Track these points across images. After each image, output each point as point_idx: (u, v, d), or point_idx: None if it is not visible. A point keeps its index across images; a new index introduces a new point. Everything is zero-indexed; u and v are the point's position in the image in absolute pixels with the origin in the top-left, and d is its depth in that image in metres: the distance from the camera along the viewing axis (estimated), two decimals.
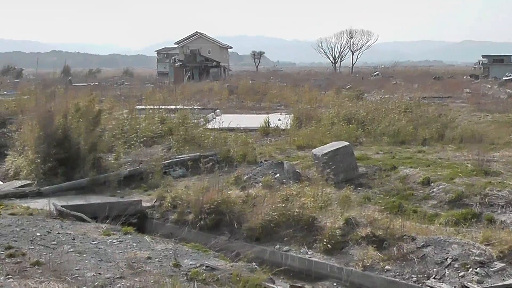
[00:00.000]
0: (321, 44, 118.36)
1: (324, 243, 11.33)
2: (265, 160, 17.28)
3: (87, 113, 16.81)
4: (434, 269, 9.94)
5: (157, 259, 9.69)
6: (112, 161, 17.12)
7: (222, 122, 22.39)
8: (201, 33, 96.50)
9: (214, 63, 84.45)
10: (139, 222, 13.43)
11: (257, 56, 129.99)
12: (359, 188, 14.91)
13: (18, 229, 11.13)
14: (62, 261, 9.15)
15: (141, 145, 19.46)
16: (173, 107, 27.09)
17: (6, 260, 9.10)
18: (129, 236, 11.31)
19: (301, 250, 11.57)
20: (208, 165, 15.32)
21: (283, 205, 12.48)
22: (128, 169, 16.79)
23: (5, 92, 47.41)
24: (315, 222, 12.02)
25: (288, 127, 24.21)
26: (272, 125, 24.83)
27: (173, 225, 13.32)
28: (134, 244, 10.65)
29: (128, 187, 15.91)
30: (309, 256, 11.36)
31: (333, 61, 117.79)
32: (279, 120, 26.20)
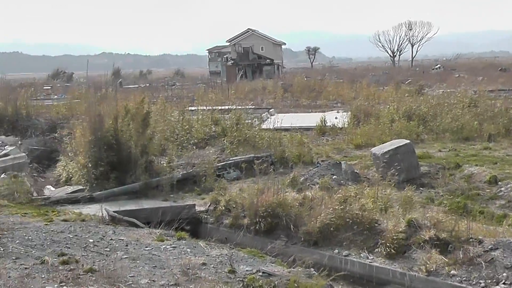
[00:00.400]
0: (378, 37, 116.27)
1: (386, 247, 10.89)
2: (322, 161, 16.89)
3: (137, 115, 16.65)
4: (504, 274, 9.42)
5: (212, 265, 9.41)
6: (165, 165, 16.93)
7: (277, 121, 22.03)
8: (253, 30, 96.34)
9: (268, 60, 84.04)
10: (193, 227, 13.24)
11: (312, 52, 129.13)
12: (421, 188, 14.37)
13: (71, 236, 11.01)
14: (115, 268, 8.96)
15: (194, 147, 19.27)
16: (226, 107, 26.90)
17: (60, 267, 8.96)
18: (183, 241, 11.08)
19: (361, 255, 11.16)
20: (263, 166, 15.00)
21: (342, 207, 12.05)
22: (181, 173, 16.57)
23: (56, 96, 48.13)
24: (375, 225, 11.58)
25: (346, 126, 23.70)
26: (328, 124, 24.36)
27: (228, 230, 13.03)
28: (188, 250, 10.41)
29: (181, 190, 15.71)
30: (369, 260, 10.95)
31: (392, 55, 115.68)
32: (336, 118, 25.72)
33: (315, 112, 32.25)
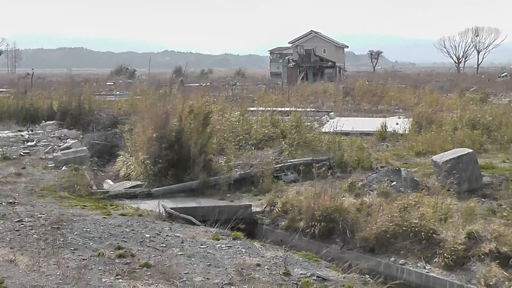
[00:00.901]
0: (444, 42, 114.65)
1: (444, 258, 10.62)
2: (381, 167, 16.62)
3: (198, 114, 16.75)
4: None
5: (266, 267, 9.37)
6: (223, 164, 16.96)
7: (337, 125, 21.83)
8: (316, 32, 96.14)
9: (329, 63, 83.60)
10: (249, 227, 13.21)
11: (375, 56, 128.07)
12: (482, 199, 13.94)
13: (128, 230, 11.16)
14: (171, 264, 9.05)
15: (252, 148, 19.26)
16: (286, 109, 26.83)
17: (116, 261, 9.11)
18: (238, 241, 11.08)
19: (418, 264, 10.92)
20: (321, 170, 14.85)
21: (400, 215, 11.82)
22: (239, 172, 16.56)
23: (118, 92, 48.94)
24: (434, 235, 11.29)
25: (407, 132, 23.28)
26: (389, 129, 23.99)
27: (283, 232, 12.94)
28: (243, 250, 10.40)
29: (238, 190, 15.70)
30: (427, 271, 10.70)
31: (457, 61, 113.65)
32: (397, 124, 25.29)
33: (376, 117, 31.86)
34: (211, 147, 17.09)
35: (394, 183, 14.64)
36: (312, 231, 12.30)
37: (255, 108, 27.85)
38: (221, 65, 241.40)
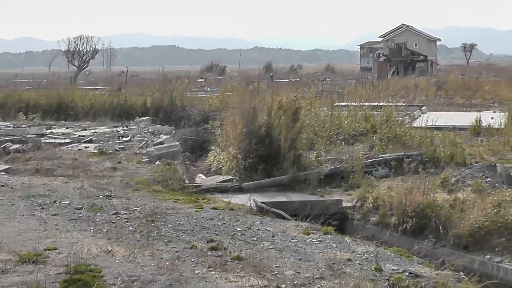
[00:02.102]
0: None
1: None
2: (475, 162, 16.17)
3: (288, 110, 16.79)
4: None
5: (357, 262, 9.29)
6: (313, 159, 16.94)
7: (429, 120, 21.37)
8: (407, 26, 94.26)
9: (421, 57, 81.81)
10: (339, 222, 13.14)
11: (468, 48, 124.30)
12: None
13: (219, 223, 11.32)
14: (262, 257, 9.10)
15: (342, 143, 19.13)
16: (376, 103, 26.47)
17: (208, 253, 9.26)
18: (329, 236, 11.04)
19: None
20: (413, 165, 14.60)
21: (495, 211, 11.46)
22: (329, 168, 16.50)
23: (209, 89, 49.61)
24: None
25: (502, 126, 22.53)
26: (483, 124, 23.30)
27: (374, 227, 12.79)
28: (334, 244, 10.34)
29: (328, 185, 15.64)
30: None
31: None
32: (492, 118, 24.52)
33: (470, 111, 31.00)
34: (301, 142, 17.09)
35: (489, 179, 14.20)
36: (403, 227, 12.10)
37: (345, 103, 27.64)
38: (310, 61, 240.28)
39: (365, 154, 17.58)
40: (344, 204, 13.98)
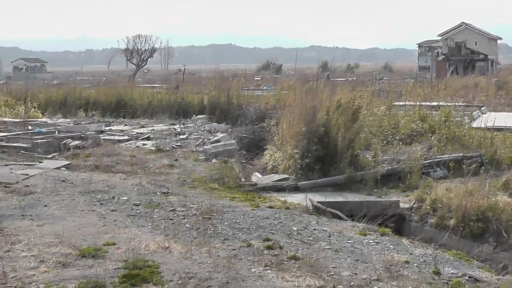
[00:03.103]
0: None
1: None
2: None
3: (347, 109, 16.68)
4: None
5: (415, 264, 9.15)
6: (370, 159, 16.77)
7: (489, 120, 20.90)
8: (467, 24, 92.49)
9: (481, 56, 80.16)
10: (396, 223, 12.99)
11: None
12: None
13: (275, 222, 11.32)
14: (318, 257, 9.07)
15: (400, 143, 18.88)
16: (434, 103, 26.04)
17: (265, 252, 9.28)
18: (386, 237, 10.92)
19: None
20: (472, 167, 14.31)
21: None
22: (386, 168, 16.31)
23: (265, 87, 49.70)
24: None
25: None
26: None
27: (432, 230, 12.56)
28: (391, 246, 10.22)
29: (385, 186, 15.47)
30: None
31: None
32: None
33: None
34: (359, 142, 16.97)
35: None
36: (463, 230, 11.86)
37: (402, 103, 27.28)
38: (367, 60, 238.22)
39: (423, 155, 17.29)
40: (401, 205, 13.79)
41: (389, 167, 16.39)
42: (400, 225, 13.21)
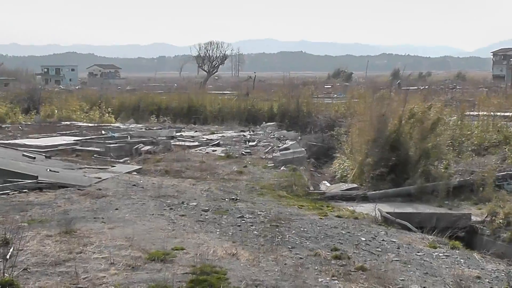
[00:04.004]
0: None
1: None
2: None
3: (422, 119, 16.40)
4: None
5: (487, 280, 8.90)
6: (442, 170, 16.43)
7: None
8: None
9: None
10: (468, 237, 12.67)
11: None
12: None
13: (343, 232, 11.23)
14: (386, 269, 8.91)
15: (473, 154, 18.45)
16: (509, 114, 25.37)
17: (332, 262, 9.20)
18: (457, 251, 10.67)
19: None
20: None
21: None
22: (458, 179, 15.95)
23: (335, 95, 49.48)
24: None
25: None
26: None
27: (505, 244, 12.18)
28: (461, 260, 9.98)
29: (457, 198, 15.13)
30: None
31: None
32: None
33: None
34: (434, 153, 16.63)
35: None
36: None
37: (476, 113, 26.70)
38: (439, 68, 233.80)
39: (496, 167, 16.85)
40: (473, 218, 13.47)
41: (461, 179, 16.03)
42: (472, 238, 12.88)
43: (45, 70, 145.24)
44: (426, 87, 61.39)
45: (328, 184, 17.28)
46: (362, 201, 14.88)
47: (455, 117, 22.82)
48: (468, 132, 20.55)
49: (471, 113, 26.60)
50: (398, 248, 10.42)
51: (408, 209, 14.04)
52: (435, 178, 15.86)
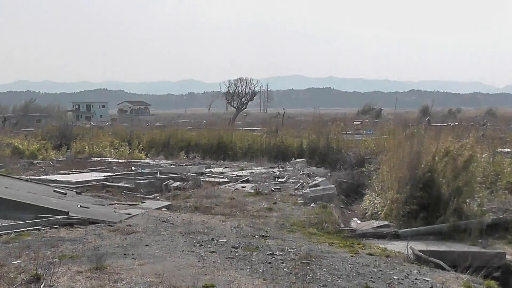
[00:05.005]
0: None
1: None
2: None
3: (453, 156, 16.23)
4: None
5: None
6: (475, 208, 16.19)
7: None
8: None
9: None
10: (503, 276, 12.41)
11: None
12: None
13: (375, 270, 11.07)
14: None
15: (506, 192, 18.18)
16: None
17: None
18: None
19: None
20: None
21: None
22: (492, 217, 15.69)
23: (365, 131, 49.33)
24: None
25: None
26: None
27: None
28: None
29: (491, 237, 14.85)
30: None
31: None
32: None
33: None
34: (465, 190, 16.41)
35: None
36: None
37: (507, 149, 26.40)
38: (469, 104, 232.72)
39: None
40: (508, 257, 13.20)
41: (495, 217, 15.78)
42: (507, 278, 12.60)
43: (76, 106, 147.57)
44: (456, 123, 60.98)
45: (359, 222, 17.10)
46: (393, 238, 14.67)
47: (486, 154, 22.56)
48: (500, 170, 20.26)
49: (503, 149, 26.31)
50: (432, 287, 10.24)
51: (441, 247, 13.80)
52: (468, 216, 15.61)
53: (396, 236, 14.82)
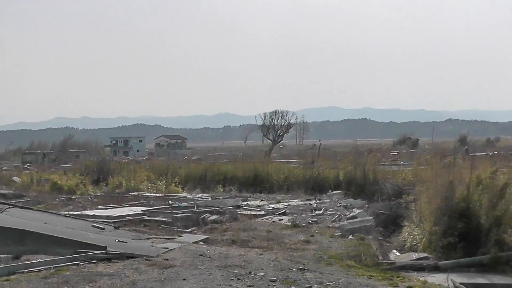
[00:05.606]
0: None
1: None
2: None
3: (491, 185, 15.94)
4: None
5: None
6: None
7: None
8: None
9: None
10: None
11: None
12: None
13: None
14: None
15: None
16: None
17: None
18: None
19: None
20: None
21: None
22: None
23: (402, 162, 48.95)
24: None
25: None
26: None
27: None
28: None
29: None
30: None
31: None
32: None
33: None
34: (503, 219, 16.08)
35: None
36: None
37: None
38: (507, 133, 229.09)
39: None
40: None
41: None
42: None
43: (114, 141, 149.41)
44: (495, 152, 60.09)
45: (398, 254, 16.85)
46: (433, 271, 14.38)
47: None
48: None
49: None
50: None
51: (482, 280, 13.51)
52: (510, 247, 15.27)
53: (436, 268, 14.54)
